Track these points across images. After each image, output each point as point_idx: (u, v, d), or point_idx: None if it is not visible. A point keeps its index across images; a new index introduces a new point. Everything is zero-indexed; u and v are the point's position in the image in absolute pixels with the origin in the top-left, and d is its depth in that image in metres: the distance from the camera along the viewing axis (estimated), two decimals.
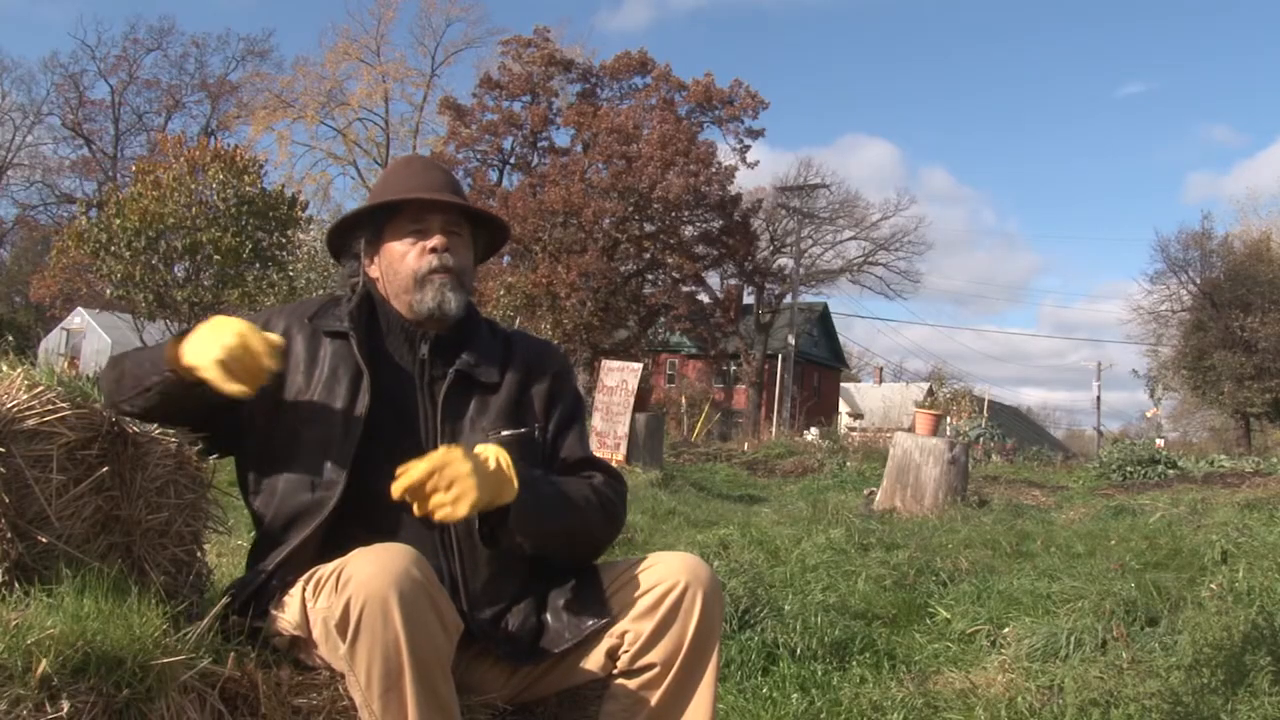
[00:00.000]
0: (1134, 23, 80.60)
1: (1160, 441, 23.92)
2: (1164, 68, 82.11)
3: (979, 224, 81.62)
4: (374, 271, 1.87)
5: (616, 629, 1.68)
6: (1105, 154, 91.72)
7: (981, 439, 18.70)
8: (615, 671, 1.69)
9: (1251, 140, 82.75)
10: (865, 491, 9.61)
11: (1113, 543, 6.14)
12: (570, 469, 1.86)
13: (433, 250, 1.80)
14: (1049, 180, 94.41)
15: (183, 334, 1.66)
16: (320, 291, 15.93)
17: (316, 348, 1.80)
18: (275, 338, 1.63)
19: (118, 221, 17.47)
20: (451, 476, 1.56)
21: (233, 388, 1.57)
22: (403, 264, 1.81)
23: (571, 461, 1.87)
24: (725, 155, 33.33)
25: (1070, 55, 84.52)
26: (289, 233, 18.57)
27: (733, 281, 36.66)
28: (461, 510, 1.56)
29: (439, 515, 1.57)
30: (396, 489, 1.56)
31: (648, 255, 32.96)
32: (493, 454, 1.64)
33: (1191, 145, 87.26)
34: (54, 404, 1.61)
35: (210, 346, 1.58)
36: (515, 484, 1.64)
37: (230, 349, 1.57)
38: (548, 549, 1.73)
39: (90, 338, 28.06)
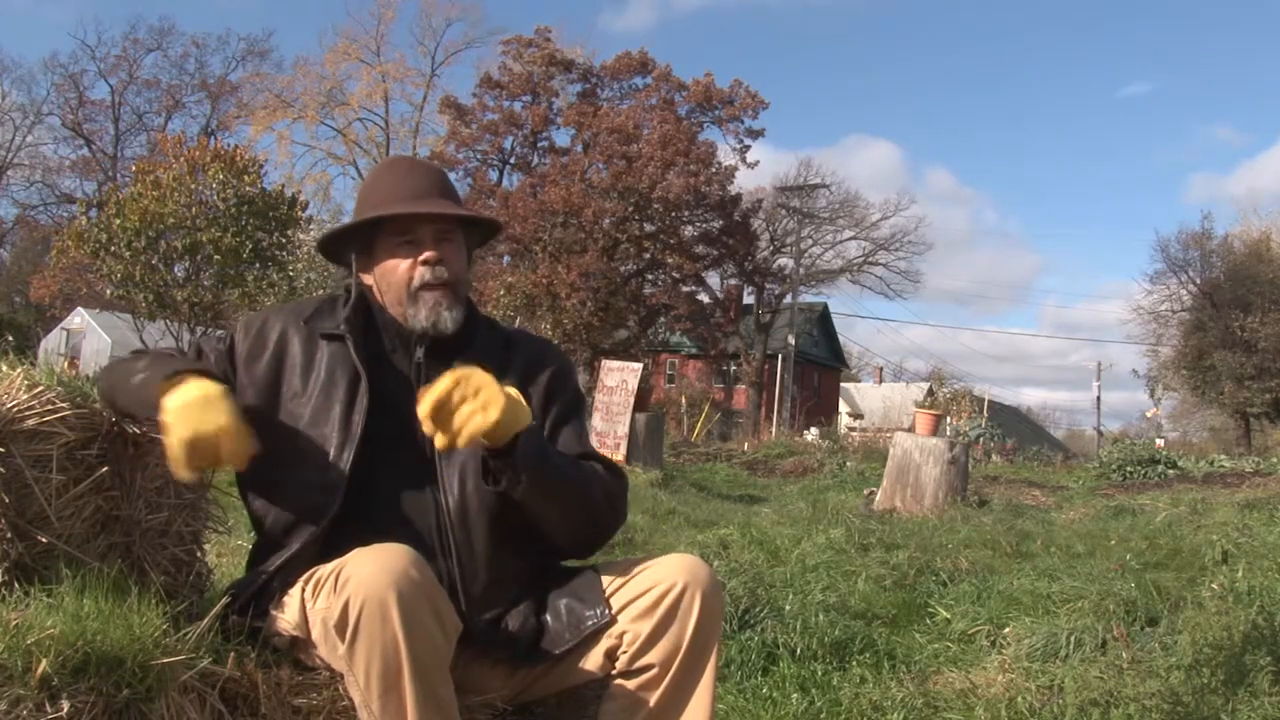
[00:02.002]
0: (1136, 23, 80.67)
1: (1160, 441, 23.99)
2: (1166, 68, 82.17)
3: (980, 224, 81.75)
4: (368, 280, 1.84)
5: (615, 629, 1.68)
6: (1106, 154, 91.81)
7: (981, 439, 18.72)
8: (614, 672, 1.69)
9: (1254, 140, 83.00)
10: (865, 491, 9.61)
11: (1113, 543, 6.14)
12: None
13: (425, 263, 1.77)
14: (1050, 180, 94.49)
15: (174, 374, 1.59)
16: (320, 291, 15.94)
17: (313, 350, 1.79)
18: (249, 447, 1.57)
19: (118, 221, 17.43)
20: (477, 384, 1.56)
21: (182, 470, 1.53)
22: (396, 276, 1.79)
23: (570, 456, 1.84)
24: (725, 155, 33.42)
25: (1072, 56, 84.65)
26: (289, 233, 18.55)
27: (733, 281, 36.69)
28: (493, 415, 1.55)
29: (471, 426, 1.54)
30: (423, 409, 1.54)
31: (648, 255, 32.96)
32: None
33: (1193, 146, 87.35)
34: (54, 404, 1.62)
35: (189, 421, 1.52)
36: (528, 410, 1.64)
37: (200, 438, 1.52)
38: (549, 513, 1.71)
39: (90, 338, 28.03)
